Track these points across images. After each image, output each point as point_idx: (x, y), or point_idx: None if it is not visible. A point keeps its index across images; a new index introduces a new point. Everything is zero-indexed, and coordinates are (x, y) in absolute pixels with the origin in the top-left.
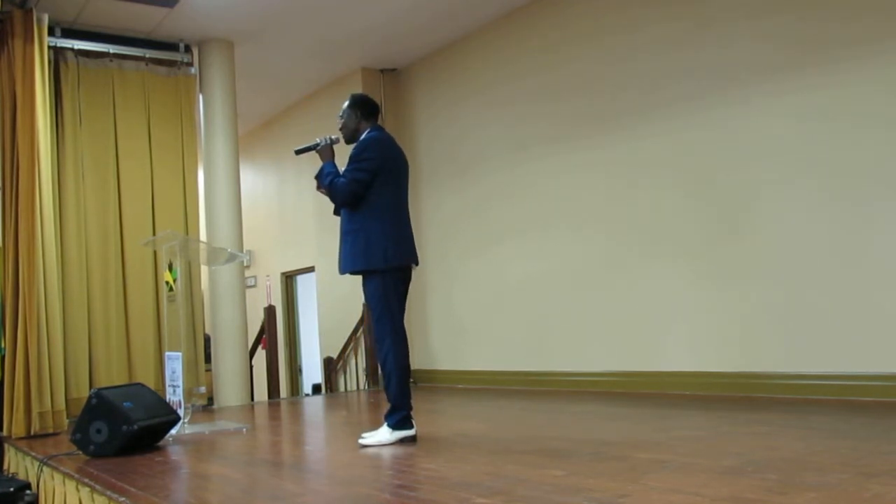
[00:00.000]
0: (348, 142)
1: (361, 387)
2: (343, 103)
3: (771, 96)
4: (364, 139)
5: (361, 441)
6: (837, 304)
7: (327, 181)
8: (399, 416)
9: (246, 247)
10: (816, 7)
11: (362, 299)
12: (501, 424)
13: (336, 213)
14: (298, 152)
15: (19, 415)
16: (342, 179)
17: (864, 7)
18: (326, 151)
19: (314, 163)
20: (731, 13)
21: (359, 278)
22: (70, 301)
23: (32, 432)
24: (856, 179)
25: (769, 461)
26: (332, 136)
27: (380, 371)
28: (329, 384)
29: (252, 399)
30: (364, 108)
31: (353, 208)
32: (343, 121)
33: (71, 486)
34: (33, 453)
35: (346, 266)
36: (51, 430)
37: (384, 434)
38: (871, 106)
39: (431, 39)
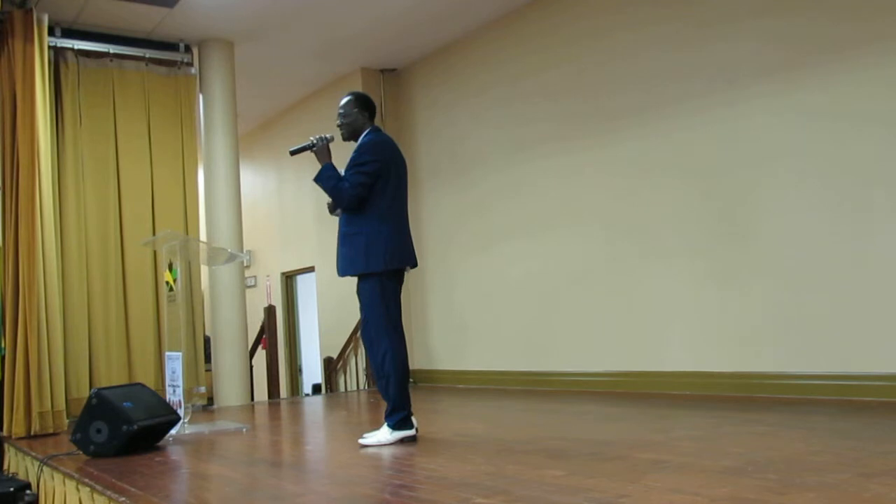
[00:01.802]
0: (347, 139)
1: (361, 387)
2: (342, 99)
3: (771, 96)
4: (365, 142)
5: (362, 441)
6: (838, 304)
7: (330, 184)
8: (399, 417)
9: (246, 247)
10: (817, 7)
11: None
12: (501, 424)
13: (332, 213)
14: (294, 153)
15: (19, 415)
16: (346, 184)
17: (864, 7)
18: (323, 152)
19: (315, 162)
20: (731, 13)
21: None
22: (70, 301)
23: (32, 432)
24: (856, 180)
25: (769, 461)
26: (327, 136)
27: (377, 372)
28: (329, 384)
29: (252, 399)
30: (370, 108)
31: (352, 211)
32: (346, 119)
33: (71, 486)
34: (33, 453)
35: (346, 269)
36: (51, 430)
37: (384, 434)
38: (872, 106)
39: (431, 39)
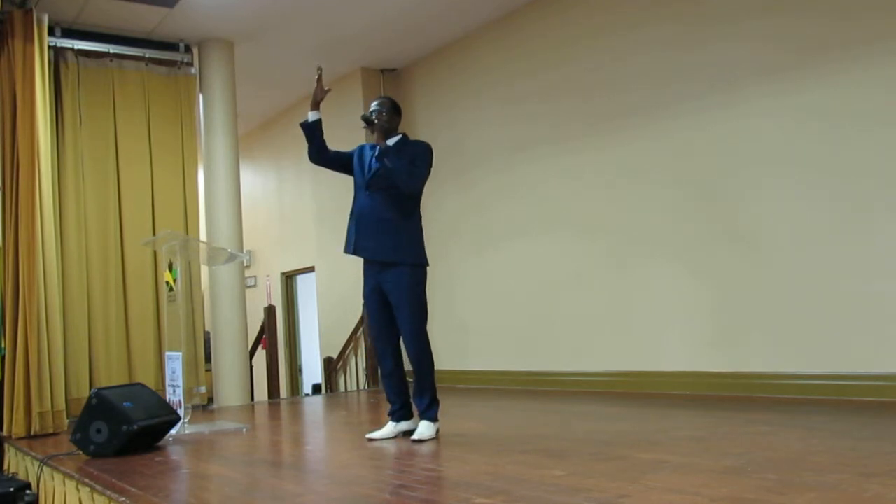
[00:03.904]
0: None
1: (361, 387)
2: (379, 99)
3: (771, 97)
4: (426, 145)
5: (415, 438)
6: (837, 303)
7: (403, 166)
8: (438, 408)
9: (246, 247)
10: (817, 7)
11: (362, 299)
12: (501, 424)
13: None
14: (364, 118)
15: (19, 415)
16: (418, 171)
17: (864, 7)
18: (382, 133)
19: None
20: (731, 14)
21: (358, 277)
22: (70, 301)
23: (32, 432)
24: (855, 179)
25: (769, 461)
26: None
27: (418, 362)
28: (329, 384)
29: (252, 399)
30: (401, 116)
31: (403, 200)
32: (386, 117)
33: (71, 486)
34: (33, 453)
35: (399, 256)
36: (51, 430)
37: (432, 429)
38: (869, 106)
39: (431, 39)
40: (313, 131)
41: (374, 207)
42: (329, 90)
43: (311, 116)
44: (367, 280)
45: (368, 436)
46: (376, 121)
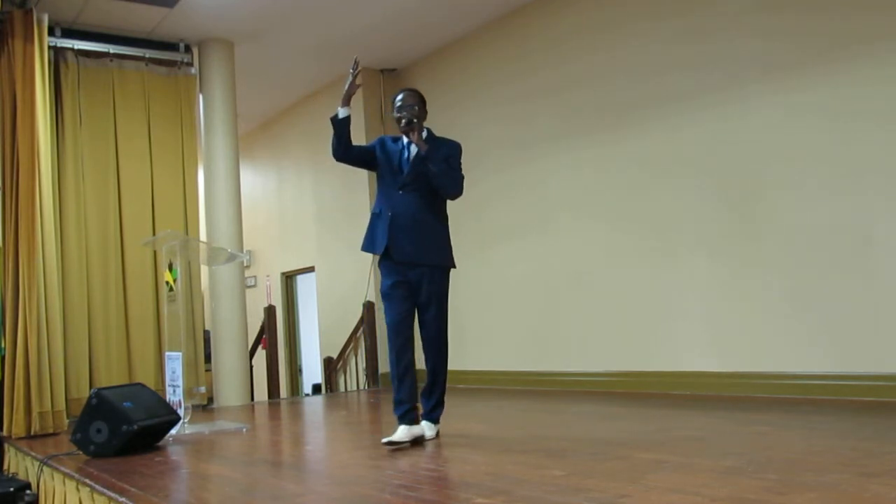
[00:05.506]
0: (408, 132)
1: (361, 387)
2: (407, 91)
3: (780, 93)
4: (458, 146)
5: (430, 435)
6: (838, 304)
7: (444, 169)
8: (442, 411)
9: (246, 247)
10: (828, 3)
11: (362, 299)
12: (501, 424)
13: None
14: (408, 122)
15: (19, 415)
16: (460, 175)
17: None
18: (421, 135)
19: (312, 162)
20: (744, 7)
21: (358, 277)
22: (70, 301)
23: (32, 432)
24: (860, 179)
25: (769, 461)
26: None
27: (442, 365)
28: (329, 384)
29: (252, 399)
30: None
31: (437, 200)
32: (421, 112)
33: (71, 486)
34: (33, 453)
35: (437, 258)
36: (51, 430)
37: (433, 430)
38: (887, 102)
39: (431, 40)
40: (343, 128)
41: (408, 208)
42: (360, 84)
43: (342, 112)
44: (388, 275)
45: (385, 440)
46: (416, 120)
